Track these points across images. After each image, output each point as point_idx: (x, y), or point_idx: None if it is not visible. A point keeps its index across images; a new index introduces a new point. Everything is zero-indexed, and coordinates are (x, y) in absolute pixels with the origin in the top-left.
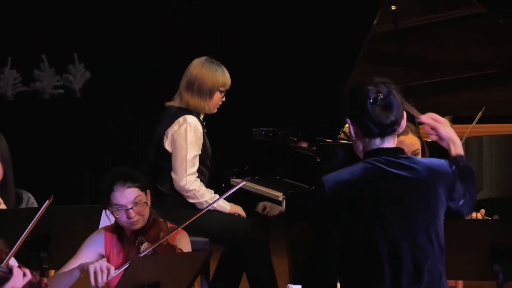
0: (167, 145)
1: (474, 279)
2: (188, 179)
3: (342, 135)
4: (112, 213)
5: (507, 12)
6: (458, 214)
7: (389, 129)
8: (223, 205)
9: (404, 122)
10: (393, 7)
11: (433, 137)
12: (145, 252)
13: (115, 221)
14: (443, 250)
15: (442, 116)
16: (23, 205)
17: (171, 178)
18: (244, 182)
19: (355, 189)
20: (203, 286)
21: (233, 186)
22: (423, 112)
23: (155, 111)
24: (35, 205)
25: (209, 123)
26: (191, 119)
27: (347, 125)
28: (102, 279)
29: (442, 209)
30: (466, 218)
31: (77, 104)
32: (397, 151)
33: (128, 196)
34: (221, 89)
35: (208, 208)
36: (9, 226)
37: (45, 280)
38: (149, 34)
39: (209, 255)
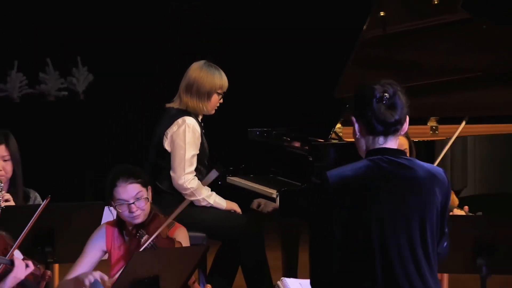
0: (167, 145)
1: (459, 272)
2: (187, 178)
3: (333, 135)
4: (114, 207)
5: (490, 18)
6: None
7: (392, 128)
8: (220, 202)
9: (406, 125)
10: (381, 13)
11: None
12: (146, 244)
13: (117, 216)
14: (435, 248)
15: (428, 117)
16: (30, 203)
17: (170, 176)
18: (216, 174)
19: (357, 185)
20: (201, 279)
21: (230, 184)
22: (410, 113)
23: (155, 111)
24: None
25: (207, 124)
26: (190, 120)
27: (338, 125)
28: None
29: (437, 210)
30: (451, 214)
31: (80, 105)
32: (399, 151)
33: (130, 191)
34: (219, 91)
35: (204, 205)
36: (18, 221)
37: (48, 272)
38: (149, 35)
39: (206, 249)
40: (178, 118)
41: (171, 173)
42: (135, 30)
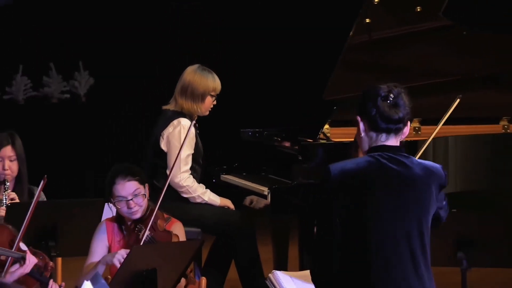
0: (163, 145)
1: (440, 265)
2: (182, 176)
3: (321, 136)
4: (114, 204)
5: (470, 25)
6: (437, 217)
7: (395, 126)
8: (214, 199)
9: (407, 129)
10: (367, 20)
11: None
12: (145, 237)
13: (116, 212)
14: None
15: (412, 118)
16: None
17: (166, 175)
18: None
19: (358, 178)
20: (196, 272)
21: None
22: None
23: (154, 112)
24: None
25: (201, 125)
26: (185, 122)
27: (326, 126)
28: None
29: (433, 206)
30: None
31: (82, 107)
32: (398, 149)
33: (128, 188)
34: (212, 93)
35: (199, 201)
36: (23, 217)
37: (51, 263)
38: (149, 35)
39: (201, 244)
40: (173, 120)
41: (168, 172)
42: (135, 31)
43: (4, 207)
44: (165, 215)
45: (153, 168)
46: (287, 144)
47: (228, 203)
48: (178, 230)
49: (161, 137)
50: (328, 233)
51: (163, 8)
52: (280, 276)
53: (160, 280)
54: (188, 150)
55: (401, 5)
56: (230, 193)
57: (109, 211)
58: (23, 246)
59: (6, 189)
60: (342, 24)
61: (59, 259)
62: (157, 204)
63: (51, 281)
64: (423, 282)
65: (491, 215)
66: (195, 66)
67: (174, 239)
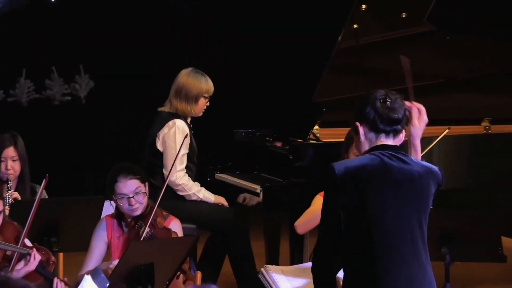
0: (159, 146)
1: None
2: (178, 175)
3: (311, 136)
4: (115, 201)
5: (453, 30)
6: None
7: (394, 127)
8: (208, 196)
9: (403, 135)
10: (355, 26)
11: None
12: (145, 234)
13: (116, 209)
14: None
15: None
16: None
17: (163, 173)
18: None
19: (361, 175)
20: (191, 266)
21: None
22: None
23: (154, 112)
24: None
25: (196, 126)
26: (179, 123)
27: (316, 127)
28: None
29: (431, 203)
30: None
31: (82, 109)
32: (398, 148)
33: (129, 186)
34: (205, 95)
35: (194, 199)
36: (26, 214)
37: (52, 258)
38: (149, 35)
39: (196, 239)
40: (169, 121)
41: (164, 171)
42: (134, 30)
43: (8, 207)
44: (164, 213)
45: (150, 167)
46: (279, 144)
47: (222, 200)
48: (176, 226)
49: (157, 138)
50: (329, 233)
51: (163, 8)
52: (272, 270)
53: (157, 274)
54: (183, 150)
55: (387, 11)
56: (224, 191)
57: (108, 208)
58: (28, 242)
59: (9, 188)
60: (332, 29)
61: (61, 254)
62: (156, 202)
63: (55, 279)
64: (425, 272)
65: (473, 211)
66: (189, 69)
67: (173, 236)
